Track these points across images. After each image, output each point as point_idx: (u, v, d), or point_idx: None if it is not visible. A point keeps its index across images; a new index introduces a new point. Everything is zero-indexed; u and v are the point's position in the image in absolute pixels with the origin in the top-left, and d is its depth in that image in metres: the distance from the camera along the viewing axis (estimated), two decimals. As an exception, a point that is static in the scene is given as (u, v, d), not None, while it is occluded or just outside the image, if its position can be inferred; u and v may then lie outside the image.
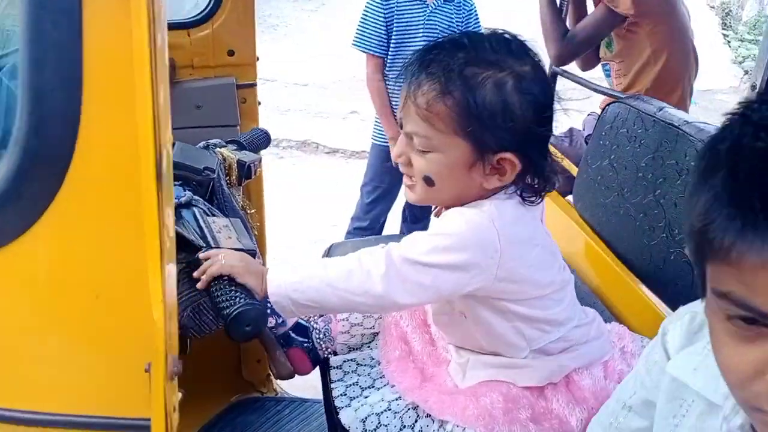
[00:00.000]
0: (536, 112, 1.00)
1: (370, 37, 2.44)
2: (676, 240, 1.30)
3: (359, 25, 2.47)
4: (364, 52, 2.47)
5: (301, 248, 3.27)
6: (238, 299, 0.88)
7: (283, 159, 4.43)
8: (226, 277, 0.92)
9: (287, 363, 1.33)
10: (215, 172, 1.17)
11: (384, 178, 2.63)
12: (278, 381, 1.97)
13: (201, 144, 1.28)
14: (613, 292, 1.54)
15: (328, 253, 1.67)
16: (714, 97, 5.98)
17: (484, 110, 0.97)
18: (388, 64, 2.47)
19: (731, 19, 7.47)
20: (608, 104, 1.67)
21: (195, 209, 1.05)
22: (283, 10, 7.36)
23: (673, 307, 1.33)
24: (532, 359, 1.12)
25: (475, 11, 2.54)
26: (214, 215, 1.09)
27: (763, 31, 2.32)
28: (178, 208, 1.03)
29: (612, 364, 1.17)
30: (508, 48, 1.02)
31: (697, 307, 0.76)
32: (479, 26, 2.55)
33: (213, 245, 0.97)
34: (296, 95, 5.47)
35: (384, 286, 0.99)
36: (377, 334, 1.32)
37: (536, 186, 1.06)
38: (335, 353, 1.33)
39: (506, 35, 1.04)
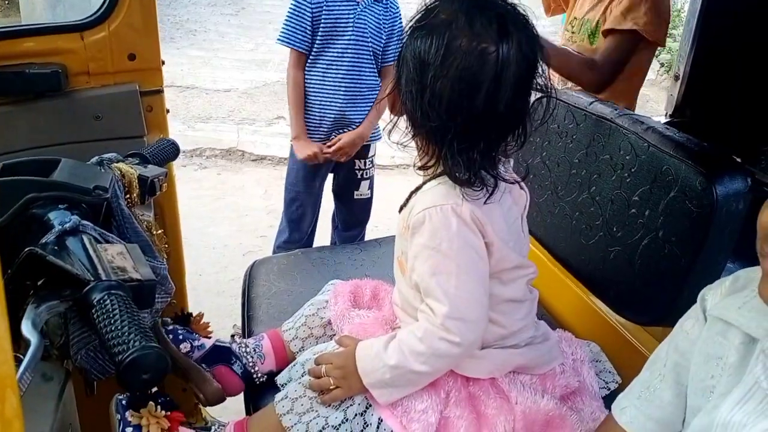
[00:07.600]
0: None
1: (294, 32, 2.34)
2: (615, 238, 1.24)
3: (285, 20, 2.37)
4: (286, 46, 2.37)
5: (233, 261, 3.11)
6: (132, 341, 0.74)
7: (207, 169, 4.23)
8: (116, 312, 0.78)
9: (215, 383, 1.19)
10: (109, 191, 1.02)
11: (307, 182, 2.50)
12: (208, 408, 1.83)
13: (93, 160, 1.12)
14: (553, 296, 1.48)
15: (250, 272, 1.54)
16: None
17: None
18: (310, 60, 2.37)
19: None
20: (537, 99, 1.60)
21: (83, 236, 0.90)
22: (201, 15, 7.10)
23: (616, 309, 1.28)
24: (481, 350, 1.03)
25: (400, 15, 2.47)
26: (108, 241, 0.95)
27: (683, 25, 2.34)
28: (63, 235, 0.89)
29: (553, 378, 1.08)
30: None
31: (739, 272, 0.79)
32: (402, 30, 2.47)
33: (104, 277, 0.83)
34: (218, 102, 5.25)
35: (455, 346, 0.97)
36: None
37: None
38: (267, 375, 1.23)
39: None
